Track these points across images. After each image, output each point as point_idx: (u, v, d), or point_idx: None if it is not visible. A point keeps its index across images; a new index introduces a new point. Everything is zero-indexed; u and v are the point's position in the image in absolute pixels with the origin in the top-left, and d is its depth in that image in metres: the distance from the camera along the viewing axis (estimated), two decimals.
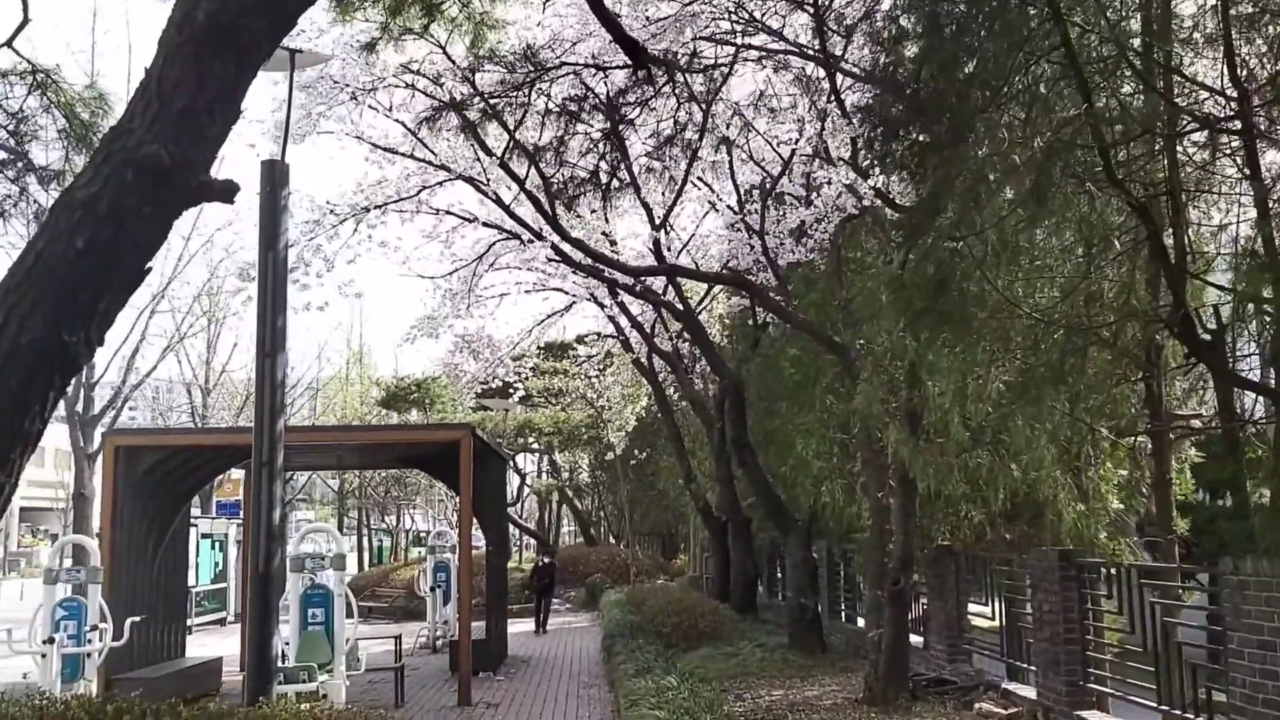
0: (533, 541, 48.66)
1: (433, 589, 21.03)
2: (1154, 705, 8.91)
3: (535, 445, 43.04)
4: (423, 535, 42.82)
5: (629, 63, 9.28)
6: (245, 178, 8.40)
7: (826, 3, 11.87)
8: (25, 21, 7.23)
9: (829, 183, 14.15)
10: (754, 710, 12.06)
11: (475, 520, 18.61)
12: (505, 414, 34.09)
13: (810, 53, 13.00)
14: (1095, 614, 10.14)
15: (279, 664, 10.42)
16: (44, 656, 12.70)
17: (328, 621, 13.34)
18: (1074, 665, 10.10)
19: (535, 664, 19.37)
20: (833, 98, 12.38)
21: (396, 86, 14.78)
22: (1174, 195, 7.72)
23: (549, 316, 26.13)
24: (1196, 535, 14.19)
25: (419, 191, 17.07)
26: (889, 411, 11.64)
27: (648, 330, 23.99)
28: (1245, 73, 7.34)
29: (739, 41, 13.67)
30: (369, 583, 33.56)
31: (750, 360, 20.36)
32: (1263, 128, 7.10)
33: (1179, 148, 7.87)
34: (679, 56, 12.78)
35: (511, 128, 14.91)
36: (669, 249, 19.45)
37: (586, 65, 13.24)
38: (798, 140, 15.60)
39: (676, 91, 14.24)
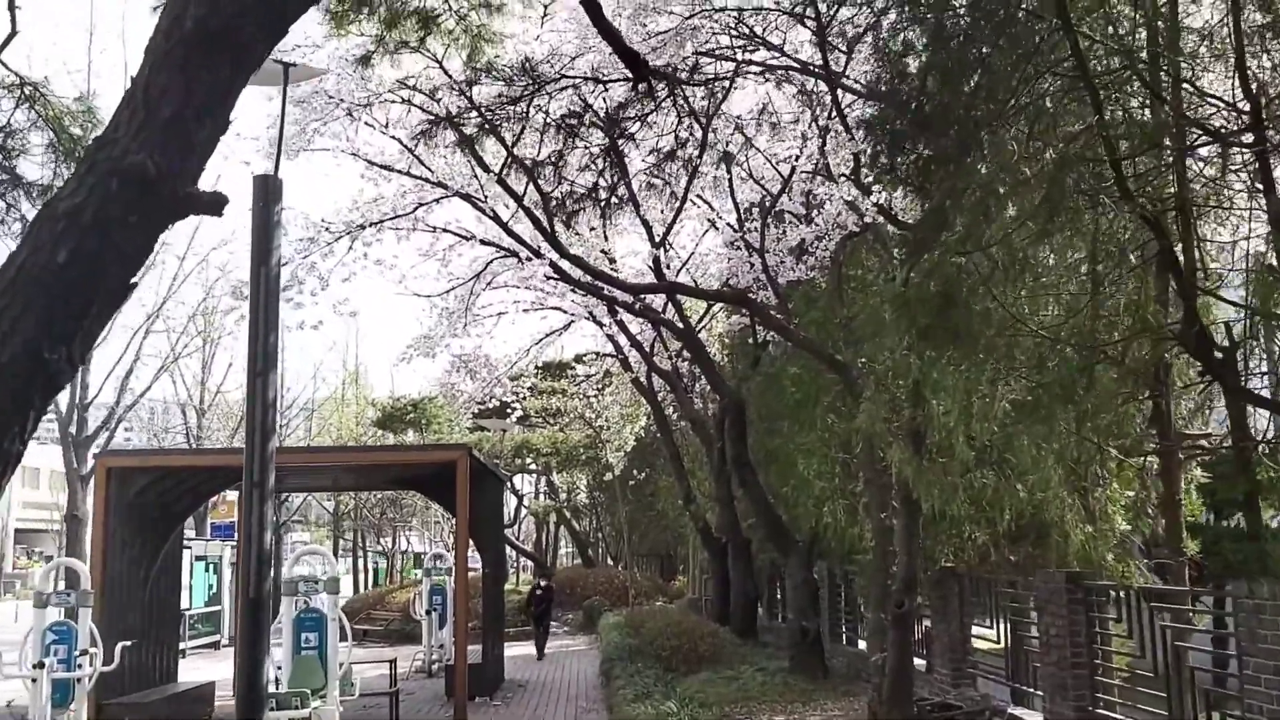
0: (530, 563, 48.36)
1: (428, 612, 20.78)
2: None
3: (533, 466, 42.80)
4: (421, 556, 42.53)
5: (629, 76, 9.14)
6: (239, 195, 8.27)
7: (828, 17, 11.76)
8: (13, 34, 7.09)
9: (830, 199, 14.03)
10: None
11: (472, 542, 18.42)
12: (502, 434, 33.86)
13: (812, 68, 12.90)
14: (1103, 637, 9.96)
15: (271, 689, 10.22)
16: (34, 682, 12.50)
17: (321, 646, 13.11)
18: (1082, 690, 9.90)
19: (532, 688, 19.13)
20: (835, 113, 12.26)
21: (392, 102, 14.66)
22: (1184, 210, 7.58)
23: (547, 335, 26.01)
24: (1201, 557, 13.99)
25: (415, 209, 16.92)
26: (892, 430, 11.48)
27: (647, 349, 23.83)
28: (1257, 85, 7.21)
29: (740, 57, 13.58)
30: (364, 605, 33.31)
31: (750, 379, 20.20)
32: (1276, 141, 6.96)
33: (1189, 162, 7.74)
34: (679, 71, 12.67)
35: (509, 143, 14.79)
36: (668, 267, 19.32)
37: (586, 79, 13.12)
38: (798, 157, 15.49)
39: (677, 106, 14.13)
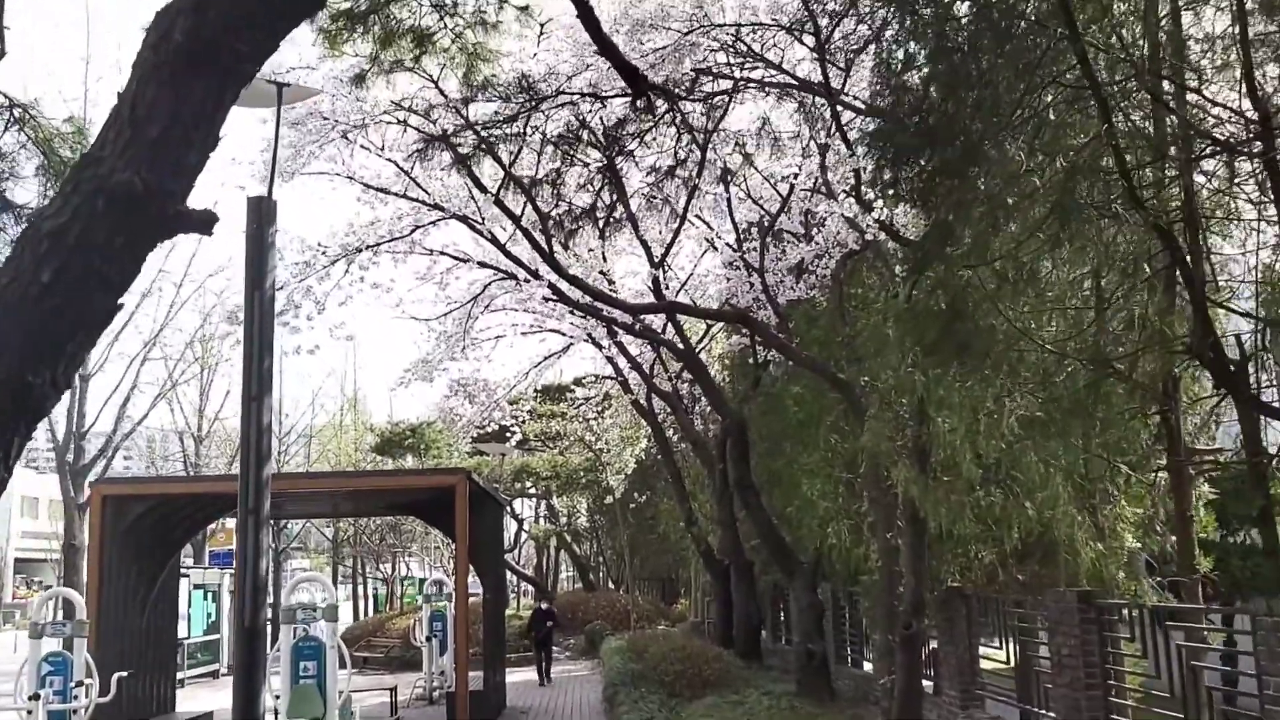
0: (530, 588, 48.06)
1: (429, 638, 20.56)
2: None
3: (533, 490, 42.59)
4: (421, 581, 42.25)
5: (627, 91, 9.03)
6: (235, 220, 8.14)
7: (828, 33, 11.69)
8: (0, 55, 6.96)
9: (830, 216, 13.93)
10: None
11: (472, 567, 18.24)
12: (502, 458, 33.69)
13: (812, 84, 12.81)
14: (1116, 657, 9.77)
15: (269, 719, 10.05)
16: (29, 714, 12.33)
17: (320, 674, 12.93)
18: (1096, 712, 9.70)
19: (535, 715, 18.91)
20: (835, 128, 12.17)
21: (388, 123, 14.56)
22: (1192, 221, 7.46)
23: (546, 359, 25.83)
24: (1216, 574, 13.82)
25: (412, 231, 16.80)
26: (897, 449, 11.33)
27: (647, 370, 23.68)
28: (1263, 93, 7.10)
29: (738, 75, 13.49)
30: (364, 632, 33.07)
31: (752, 399, 20.05)
32: None
33: (1195, 172, 7.62)
34: (677, 88, 12.57)
35: (506, 162, 14.67)
36: (667, 287, 19.20)
37: (584, 95, 13.02)
38: (797, 175, 15.40)
39: (676, 122, 14.03)
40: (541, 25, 11.62)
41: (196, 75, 4.59)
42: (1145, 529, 11.77)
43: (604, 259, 18.98)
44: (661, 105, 12.99)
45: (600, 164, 15.17)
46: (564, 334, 23.07)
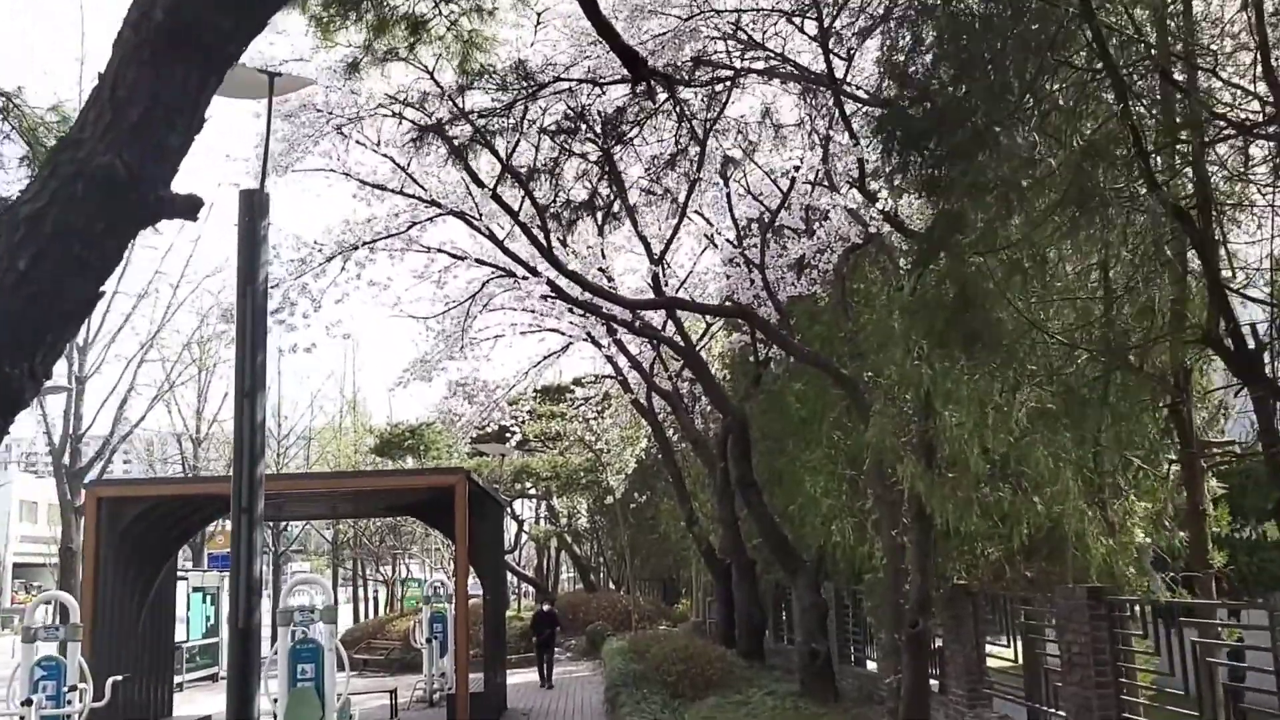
0: (531, 589, 47.85)
1: (429, 640, 20.38)
2: None
3: (533, 490, 42.41)
4: (420, 582, 42.07)
5: (626, 77, 8.85)
6: (233, 219, 7.96)
7: (830, 17, 11.48)
8: None
9: (833, 209, 13.74)
10: None
11: (472, 568, 18.07)
12: (502, 459, 33.51)
13: (814, 73, 12.61)
14: (1128, 654, 9.58)
15: None
16: (22, 719, 12.15)
17: (318, 677, 12.74)
18: (1108, 711, 9.51)
19: (535, 717, 18.75)
20: (839, 115, 11.96)
21: (384, 115, 14.36)
22: (1206, 207, 7.28)
23: (545, 358, 25.68)
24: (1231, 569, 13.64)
25: (409, 228, 16.62)
26: (902, 444, 11.15)
27: (647, 369, 23.51)
28: None
29: (739, 65, 13.29)
30: (364, 634, 32.89)
31: (753, 397, 19.88)
32: None
33: (1213, 155, 7.44)
34: (679, 73, 12.34)
35: (503, 154, 14.46)
36: (666, 284, 19.03)
37: (582, 81, 12.81)
38: (799, 167, 15.22)
39: (677, 109, 13.81)
40: (539, 14, 11.45)
41: (179, 55, 4.42)
42: (1155, 524, 11.59)
43: (602, 255, 18.80)
44: (661, 93, 12.79)
45: (598, 155, 14.96)
46: (563, 333, 22.91)
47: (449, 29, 8.21)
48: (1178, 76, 7.42)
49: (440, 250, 17.57)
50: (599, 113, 14.09)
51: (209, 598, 29.73)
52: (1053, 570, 12.26)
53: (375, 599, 46.79)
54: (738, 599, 22.61)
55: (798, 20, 12.35)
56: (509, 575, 35.74)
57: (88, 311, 4.38)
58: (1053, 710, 10.93)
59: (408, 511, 24.61)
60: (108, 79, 4.43)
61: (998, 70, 6.38)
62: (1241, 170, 7.38)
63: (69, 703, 12.60)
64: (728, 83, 14.00)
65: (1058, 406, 7.75)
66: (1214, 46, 7.51)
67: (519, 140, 14.27)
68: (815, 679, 16.40)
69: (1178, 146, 7.22)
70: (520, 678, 23.93)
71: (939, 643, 14.00)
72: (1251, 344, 7.41)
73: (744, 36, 12.85)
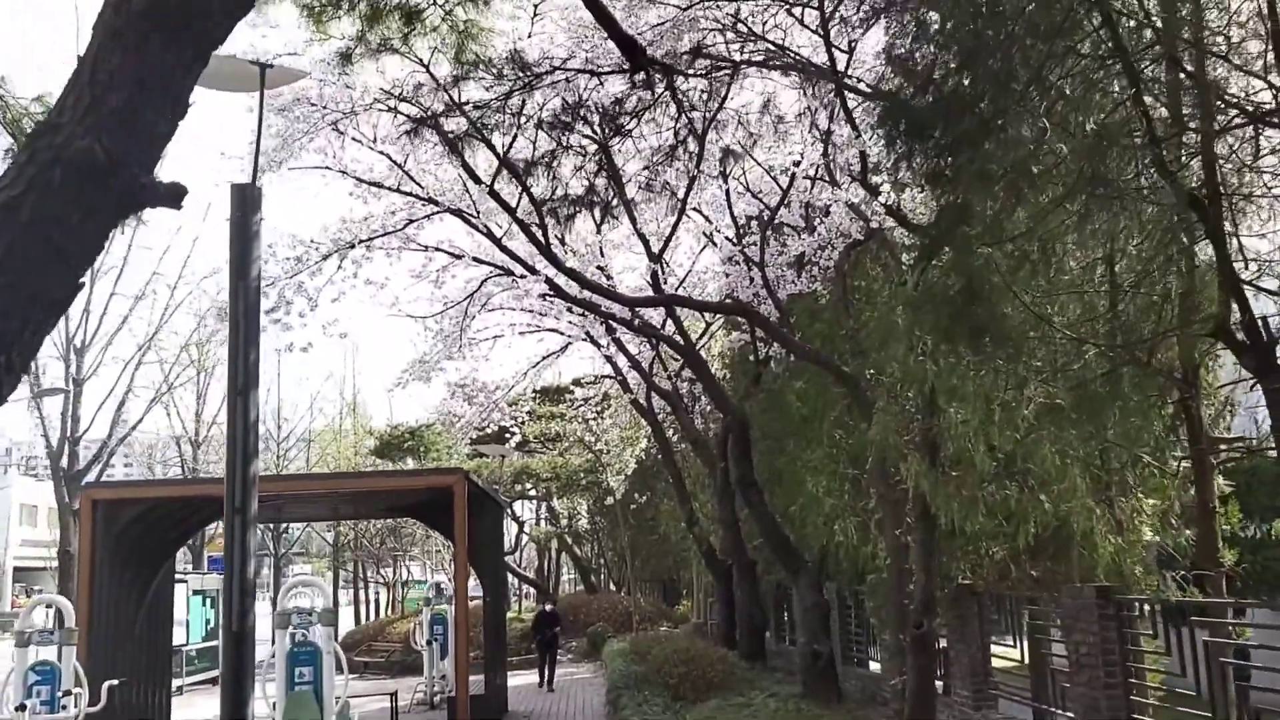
0: (532, 591, 47.68)
1: (429, 642, 20.24)
2: None
3: (532, 491, 42.26)
4: (420, 584, 41.93)
5: (625, 66, 8.70)
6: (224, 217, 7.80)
7: (831, 9, 11.32)
8: None
9: (834, 205, 13.58)
10: None
11: (472, 569, 17.94)
12: (501, 460, 33.38)
13: (815, 65, 12.44)
14: (1137, 654, 9.44)
15: None
16: None
17: (316, 680, 12.59)
18: (1117, 711, 9.36)
19: (536, 719, 18.60)
20: (840, 108, 11.80)
21: (379, 110, 14.18)
22: (1215, 198, 7.13)
23: (544, 359, 25.51)
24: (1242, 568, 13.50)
25: (405, 225, 16.46)
26: (905, 442, 11.00)
27: (646, 369, 23.35)
28: None
29: (739, 58, 13.11)
30: (365, 637, 32.74)
31: (753, 396, 19.73)
32: None
33: (1219, 148, 7.28)
34: (678, 62, 12.15)
35: (500, 149, 14.29)
36: (665, 283, 18.88)
37: (580, 71, 12.63)
38: (799, 162, 15.05)
39: (677, 99, 13.61)
40: (535, 4, 11.29)
41: (161, 37, 4.27)
42: (1162, 522, 11.45)
43: (601, 253, 18.65)
44: (660, 84, 12.62)
45: (596, 148, 14.78)
46: (562, 333, 22.75)
47: (444, 19, 8.06)
48: (1187, 65, 7.28)
49: (438, 249, 17.42)
50: (596, 105, 13.91)
51: (209, 600, 29.57)
52: (1059, 569, 12.11)
53: (376, 601, 46.66)
54: (739, 600, 22.46)
55: (798, 11, 12.18)
56: (509, 576, 35.59)
57: (68, 302, 4.23)
58: (1060, 711, 10.79)
59: (407, 513, 24.48)
60: (87, 61, 4.28)
61: (1004, 57, 6.24)
62: (1251, 161, 7.22)
63: (64, 708, 12.46)
64: (726, 75, 13.82)
65: (1065, 402, 7.59)
66: (1224, 34, 7.36)
67: (516, 134, 14.09)
68: (818, 680, 16.24)
69: (1185, 136, 7.07)
70: (521, 680, 23.78)
71: (943, 643, 13.86)
72: (1265, 337, 7.27)
73: (743, 28, 12.68)
